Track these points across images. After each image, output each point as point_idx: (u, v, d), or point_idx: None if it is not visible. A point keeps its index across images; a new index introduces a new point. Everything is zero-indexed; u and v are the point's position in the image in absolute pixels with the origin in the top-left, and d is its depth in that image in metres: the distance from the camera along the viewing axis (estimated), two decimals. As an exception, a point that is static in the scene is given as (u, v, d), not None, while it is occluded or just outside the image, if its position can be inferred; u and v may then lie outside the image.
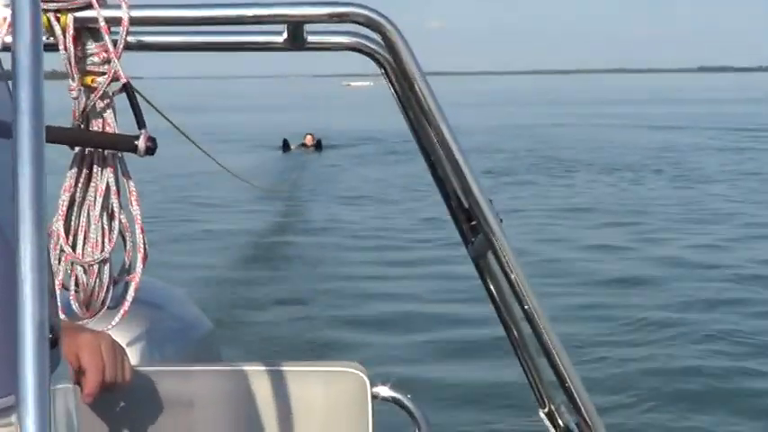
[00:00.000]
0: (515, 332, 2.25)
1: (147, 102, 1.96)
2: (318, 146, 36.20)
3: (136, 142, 1.86)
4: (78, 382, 1.96)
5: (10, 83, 1.22)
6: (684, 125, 49.69)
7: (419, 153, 2.10)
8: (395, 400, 2.52)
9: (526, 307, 2.10)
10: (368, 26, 1.84)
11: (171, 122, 2.17)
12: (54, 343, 1.13)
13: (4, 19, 1.74)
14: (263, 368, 2.42)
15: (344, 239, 17.06)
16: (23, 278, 1.00)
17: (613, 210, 20.44)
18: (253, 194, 20.43)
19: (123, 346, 2.15)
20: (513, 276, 2.07)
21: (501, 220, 2.04)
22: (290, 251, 16.00)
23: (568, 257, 15.21)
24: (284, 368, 2.43)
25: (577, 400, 2.22)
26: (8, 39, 1.75)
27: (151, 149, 1.87)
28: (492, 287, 2.21)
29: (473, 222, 2.09)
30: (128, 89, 1.88)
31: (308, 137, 36.60)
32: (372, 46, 1.89)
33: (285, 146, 36.07)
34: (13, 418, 1.12)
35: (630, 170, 29.03)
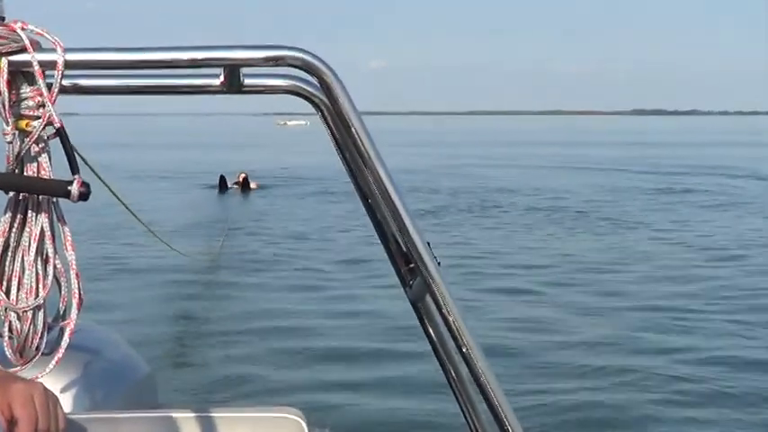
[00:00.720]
0: (453, 373, 2.25)
1: (78, 154, 1.92)
2: (247, 185, 36.18)
3: (69, 188, 1.85)
4: None
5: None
6: (608, 167, 50.73)
7: (356, 195, 2.10)
8: None
9: (464, 349, 2.09)
10: (304, 69, 1.85)
11: (100, 179, 2.16)
12: None
13: None
14: (199, 414, 2.39)
15: (279, 279, 17.07)
16: None
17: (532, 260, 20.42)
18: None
19: (58, 392, 2.13)
20: (451, 319, 2.06)
21: (439, 263, 2.03)
22: (224, 290, 15.93)
23: (498, 299, 15.47)
24: (220, 414, 2.41)
25: None
26: None
27: (84, 195, 1.86)
28: (430, 329, 2.21)
29: (411, 265, 2.08)
30: (61, 134, 1.87)
31: (241, 175, 36.62)
32: (309, 89, 1.90)
33: (222, 183, 36.19)
34: None
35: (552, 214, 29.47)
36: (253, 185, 36.29)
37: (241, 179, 36.34)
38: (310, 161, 50.01)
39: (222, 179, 36.18)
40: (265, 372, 11.07)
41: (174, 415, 2.40)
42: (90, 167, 2.04)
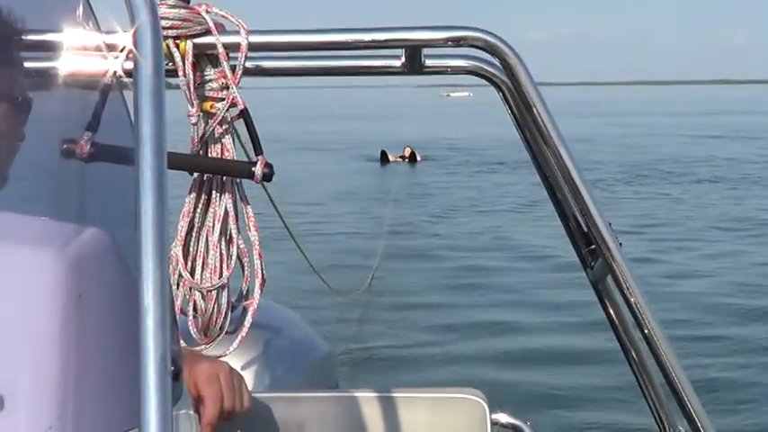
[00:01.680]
0: (635, 357, 2.23)
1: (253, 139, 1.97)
2: (413, 158, 36.38)
3: (253, 168, 1.90)
4: (197, 411, 1.99)
5: (130, 109, 1.26)
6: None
7: (536, 175, 2.09)
8: (514, 427, 2.52)
9: (646, 332, 2.08)
10: (486, 50, 1.85)
11: (282, 220, 2.23)
12: (176, 376, 1.14)
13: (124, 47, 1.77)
14: (379, 395, 2.43)
15: (452, 260, 16.78)
16: (145, 310, 1.01)
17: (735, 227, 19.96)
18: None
19: (241, 371, 2.18)
20: (633, 301, 2.05)
21: (620, 244, 2.03)
22: (399, 275, 15.65)
23: (689, 282, 14.90)
24: (400, 395, 2.44)
25: (699, 426, 2.19)
26: (128, 65, 1.80)
27: (268, 176, 1.90)
28: (611, 311, 2.19)
29: (592, 246, 2.07)
30: (245, 115, 1.91)
31: (407, 149, 36.83)
32: (490, 70, 1.90)
33: (383, 157, 36.48)
34: None
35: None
36: (418, 157, 36.54)
37: (406, 153, 36.63)
38: (475, 133, 49.92)
39: (383, 153, 36.54)
40: (441, 352, 11.09)
41: (354, 395, 2.44)
42: (280, 215, 2.10)
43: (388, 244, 16.39)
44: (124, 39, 1.74)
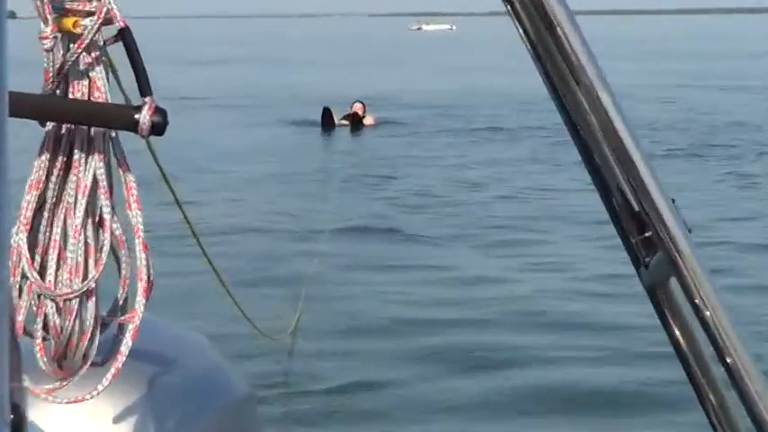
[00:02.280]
0: (707, 388, 2.20)
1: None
2: (358, 120, 36.28)
3: (137, 116, 1.87)
4: None
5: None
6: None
7: (566, 134, 2.07)
8: None
9: (729, 360, 2.08)
10: None
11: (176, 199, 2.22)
12: (17, 427, 1.17)
13: None
14: None
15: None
16: None
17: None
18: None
19: (115, 420, 2.18)
20: (707, 314, 2.05)
21: (689, 231, 2.03)
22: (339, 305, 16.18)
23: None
24: None
25: None
26: None
27: (159, 127, 1.88)
28: (676, 330, 2.17)
29: (647, 234, 2.08)
30: (125, 37, 1.89)
31: (357, 105, 36.86)
32: None
33: (326, 118, 36.37)
34: None
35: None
36: (369, 120, 36.63)
37: (354, 111, 36.57)
38: (458, 84, 50.33)
39: (327, 112, 36.49)
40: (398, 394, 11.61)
41: None
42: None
43: (326, 253, 16.90)
44: None
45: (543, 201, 22.79)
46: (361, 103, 36.98)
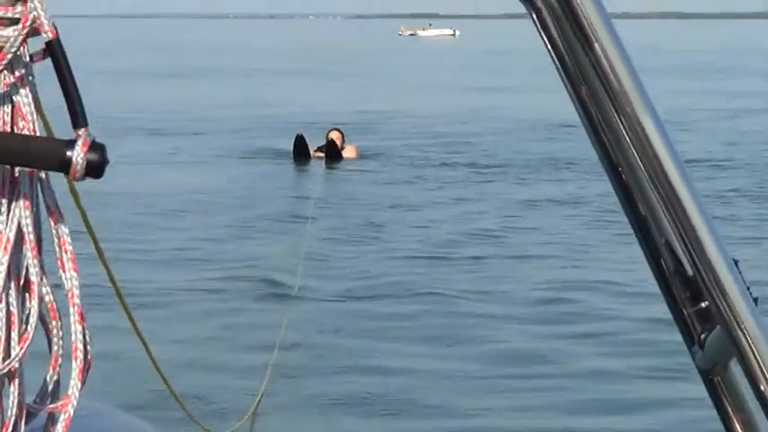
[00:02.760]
0: None
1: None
2: (337, 152, 36.31)
3: (69, 153, 1.88)
4: None
5: None
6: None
7: (599, 165, 2.12)
8: None
9: None
10: None
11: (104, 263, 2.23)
12: None
13: None
14: None
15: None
16: None
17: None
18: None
19: None
20: None
21: (755, 301, 2.03)
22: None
23: None
24: None
25: None
26: None
27: (96, 166, 1.89)
28: (735, 417, 2.20)
29: (704, 304, 2.10)
30: (55, 51, 1.90)
31: (334, 133, 36.80)
32: None
33: (299, 148, 36.43)
34: None
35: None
36: (349, 153, 36.63)
37: (330, 140, 36.43)
38: (461, 107, 50.36)
39: (300, 141, 36.55)
40: None
41: None
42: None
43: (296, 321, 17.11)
44: None
45: (571, 259, 22.61)
46: (339, 131, 36.94)
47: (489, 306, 19.33)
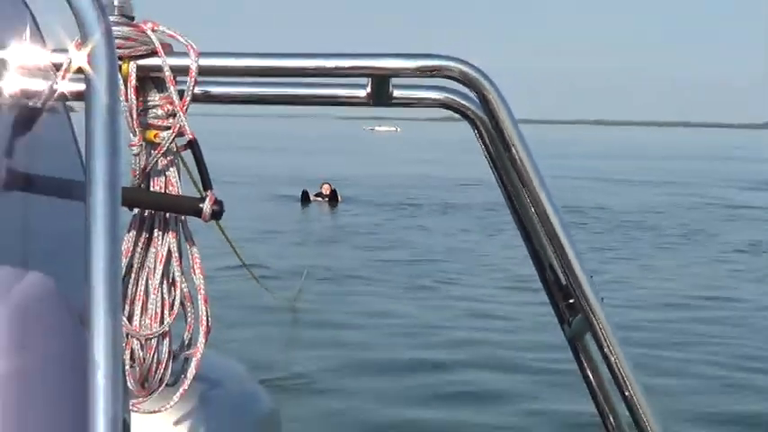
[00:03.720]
0: (612, 419, 2.24)
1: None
2: (334, 197, 36.43)
3: (201, 205, 1.87)
4: None
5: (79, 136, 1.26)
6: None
7: (512, 222, 2.10)
8: None
9: (627, 394, 2.09)
10: (461, 81, 1.84)
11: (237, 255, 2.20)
12: None
13: (73, 66, 1.77)
14: None
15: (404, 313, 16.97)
16: (96, 365, 1.03)
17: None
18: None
19: (180, 426, 2.18)
20: (612, 360, 2.06)
21: (602, 299, 2.03)
22: (344, 318, 16.11)
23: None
24: None
25: None
26: (76, 86, 1.79)
27: (217, 213, 1.88)
28: (589, 371, 2.19)
29: (571, 300, 2.08)
30: (193, 146, 1.89)
31: (325, 186, 36.84)
32: (465, 103, 1.90)
33: (304, 198, 36.47)
34: None
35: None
36: (332, 196, 36.51)
37: (324, 190, 36.60)
38: (403, 171, 50.17)
39: (304, 194, 36.63)
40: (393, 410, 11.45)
41: None
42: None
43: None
44: (76, 58, 1.74)
45: (489, 269, 21.82)
46: (329, 183, 36.86)
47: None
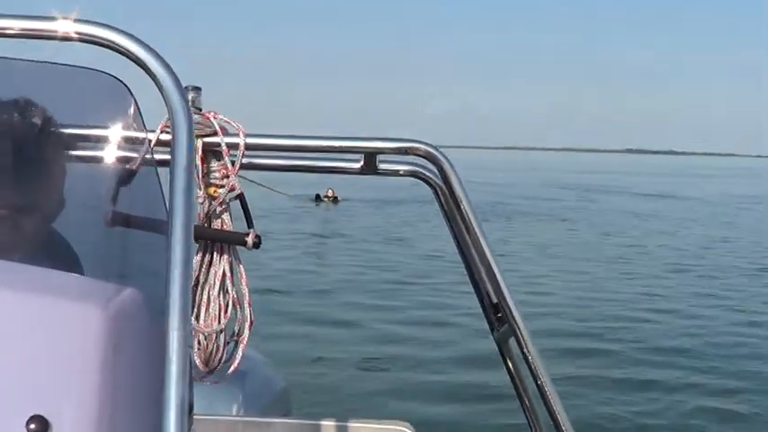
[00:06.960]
0: (528, 404, 2.49)
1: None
2: (335, 198, 41.01)
3: (246, 238, 2.20)
4: None
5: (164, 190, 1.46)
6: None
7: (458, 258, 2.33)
8: None
9: (539, 382, 2.34)
10: (427, 158, 2.17)
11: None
12: (190, 411, 1.30)
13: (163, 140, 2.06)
14: (324, 423, 2.79)
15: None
16: (170, 360, 1.19)
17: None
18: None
19: (228, 396, 2.58)
20: (530, 358, 2.31)
21: (522, 314, 2.28)
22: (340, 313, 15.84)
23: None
24: (337, 423, 2.77)
25: None
26: (163, 155, 1.89)
27: (257, 244, 2.21)
28: (511, 366, 2.44)
29: (500, 314, 2.33)
30: (241, 199, 2.22)
31: (330, 190, 41.40)
32: (429, 174, 2.22)
33: (317, 198, 41.17)
34: None
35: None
36: (334, 199, 41.30)
37: (329, 194, 41.38)
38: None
39: (317, 196, 41.32)
40: (376, 388, 11.43)
41: (302, 422, 2.83)
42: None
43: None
44: (164, 135, 2.08)
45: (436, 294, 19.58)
46: (332, 189, 41.85)
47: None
